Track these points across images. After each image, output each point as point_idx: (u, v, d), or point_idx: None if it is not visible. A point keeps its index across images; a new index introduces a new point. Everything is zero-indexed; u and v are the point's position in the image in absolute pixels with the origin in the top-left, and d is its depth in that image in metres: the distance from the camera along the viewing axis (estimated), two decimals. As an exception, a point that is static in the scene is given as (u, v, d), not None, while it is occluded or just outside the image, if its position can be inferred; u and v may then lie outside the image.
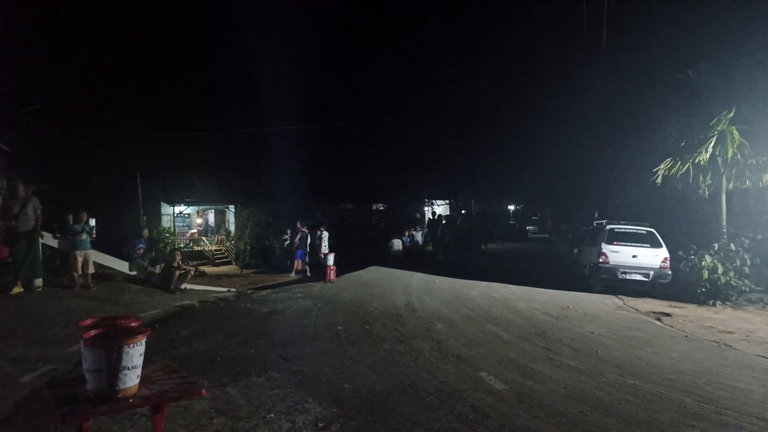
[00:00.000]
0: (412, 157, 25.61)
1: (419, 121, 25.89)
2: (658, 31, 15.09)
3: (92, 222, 9.82)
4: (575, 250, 14.33)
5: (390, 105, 29.00)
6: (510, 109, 25.94)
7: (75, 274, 9.02)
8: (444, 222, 20.59)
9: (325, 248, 14.82)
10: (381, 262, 16.12)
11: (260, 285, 13.37)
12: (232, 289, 11.79)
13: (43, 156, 19.00)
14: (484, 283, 11.93)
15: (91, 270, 9.35)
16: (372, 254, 17.82)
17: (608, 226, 11.86)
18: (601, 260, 11.25)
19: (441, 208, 23.64)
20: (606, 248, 11.30)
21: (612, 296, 10.81)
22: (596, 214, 17.67)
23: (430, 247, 19.56)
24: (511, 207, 42.78)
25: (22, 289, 8.10)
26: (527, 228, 38.34)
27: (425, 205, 23.84)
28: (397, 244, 17.92)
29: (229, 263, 18.05)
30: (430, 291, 10.63)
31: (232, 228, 22.99)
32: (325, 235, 15.80)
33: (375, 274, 13.66)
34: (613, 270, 11.10)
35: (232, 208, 23.82)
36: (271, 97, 27.32)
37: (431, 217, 20.27)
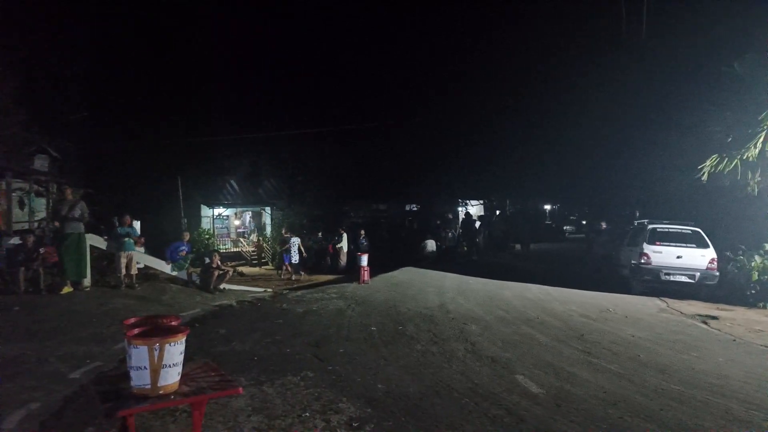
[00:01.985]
0: (446, 156, 25.47)
1: (453, 119, 25.73)
2: (701, 22, 14.44)
3: (136, 224, 10.21)
4: (613, 251, 13.91)
5: (423, 104, 28.94)
6: (547, 106, 25.34)
7: (120, 274, 9.41)
8: (478, 222, 20.39)
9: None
10: (414, 262, 16.10)
11: (295, 285, 13.58)
12: (269, 290, 12.01)
13: (90, 161, 19.92)
14: (519, 284, 11.73)
15: (135, 270, 9.74)
16: (405, 255, 17.81)
17: (650, 226, 11.46)
18: (642, 261, 10.88)
19: (475, 208, 23.37)
20: (648, 248, 10.93)
21: (654, 298, 10.43)
22: (637, 213, 17.08)
23: (464, 248, 19.40)
24: (548, 206, 41.83)
25: (71, 289, 8.51)
26: (564, 228, 37.41)
27: (459, 205, 23.63)
28: (431, 244, 17.85)
29: (265, 264, 18.38)
30: (464, 292, 10.54)
31: (268, 229, 23.43)
32: (344, 237, 16.26)
33: (408, 274, 13.65)
34: (656, 271, 10.71)
35: (268, 209, 24.28)
36: (304, 100, 27.75)
37: (465, 218, 20.07)
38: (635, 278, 11.21)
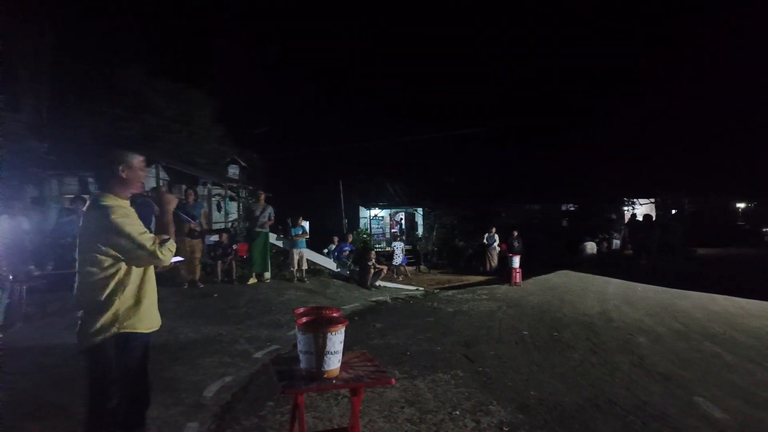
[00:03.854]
0: (609, 151, 23.19)
1: (618, 110, 23.32)
2: None
3: (306, 224, 11.46)
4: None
5: (583, 96, 26.81)
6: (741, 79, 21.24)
7: (293, 269, 10.63)
8: (648, 223, 18.20)
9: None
10: (571, 266, 15.04)
11: (446, 285, 13.75)
12: (420, 288, 12.39)
13: (270, 169, 22.88)
14: (701, 294, 10.15)
15: (305, 266, 10.91)
16: (561, 257, 16.75)
17: None
18: None
19: (644, 207, 20.81)
20: None
21: None
22: None
23: (630, 251, 17.48)
24: (741, 205, 35.24)
25: (256, 281, 9.89)
26: (763, 230, 31.08)
27: (624, 205, 21.30)
28: (590, 246, 16.51)
29: (418, 263, 18.99)
30: (630, 299, 9.54)
31: (420, 230, 24.12)
32: (496, 237, 16.16)
33: (564, 278, 12.83)
34: None
35: (420, 210, 25.00)
36: (456, 100, 27.88)
37: (631, 218, 18.07)
38: None
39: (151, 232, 2.39)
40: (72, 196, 10.12)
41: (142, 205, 2.71)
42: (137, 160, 2.51)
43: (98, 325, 2.23)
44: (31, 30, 15.14)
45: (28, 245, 7.13)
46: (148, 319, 2.40)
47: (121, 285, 2.30)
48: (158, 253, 2.29)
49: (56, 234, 8.81)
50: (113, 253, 2.27)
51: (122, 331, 2.27)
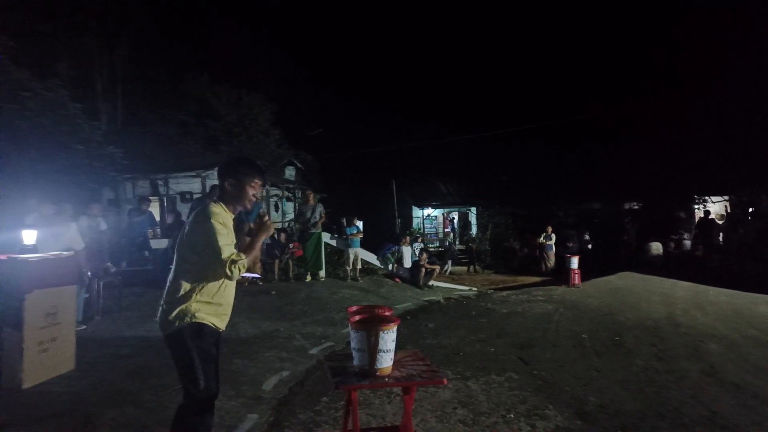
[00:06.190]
0: (678, 146, 21.77)
1: (686, 101, 21.87)
2: None
3: (359, 224, 11.63)
4: None
5: (647, 87, 25.39)
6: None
7: (347, 268, 10.82)
8: (721, 222, 16.99)
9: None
10: (635, 267, 14.31)
11: (500, 285, 13.50)
12: (473, 288, 12.24)
13: (324, 170, 23.44)
14: (782, 299, 9.39)
15: (360, 265, 11.07)
16: (624, 258, 15.98)
17: None
18: None
19: (717, 206, 19.40)
20: None
21: None
22: None
23: (699, 252, 16.38)
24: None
25: (311, 279, 10.16)
26: None
27: (695, 203, 19.95)
28: (656, 247, 15.64)
29: (471, 263, 18.74)
30: (700, 304, 8.96)
31: (474, 229, 23.82)
32: (553, 237, 15.41)
33: (627, 280, 12.24)
34: None
35: (473, 210, 24.67)
36: (510, 98, 27.26)
37: (702, 217, 16.94)
38: None
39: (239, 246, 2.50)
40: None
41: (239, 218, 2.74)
42: (249, 178, 2.55)
43: (173, 314, 2.41)
44: (106, 44, 16.34)
45: (105, 244, 7.71)
46: (219, 318, 2.55)
47: (200, 284, 2.45)
48: (227, 268, 2.36)
49: (129, 233, 9.47)
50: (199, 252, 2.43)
51: (194, 321, 2.42)
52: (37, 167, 8.94)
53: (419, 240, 12.89)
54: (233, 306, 2.70)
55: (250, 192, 2.56)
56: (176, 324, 2.40)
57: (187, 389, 2.42)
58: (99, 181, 11.21)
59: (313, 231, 10.17)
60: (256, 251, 2.57)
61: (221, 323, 2.57)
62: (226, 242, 2.40)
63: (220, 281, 2.50)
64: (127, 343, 5.61)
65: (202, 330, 2.44)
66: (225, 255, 2.36)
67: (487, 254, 19.78)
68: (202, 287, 2.46)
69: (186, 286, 2.44)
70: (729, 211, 18.40)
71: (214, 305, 2.49)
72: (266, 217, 2.64)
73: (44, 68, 11.69)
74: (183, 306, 2.41)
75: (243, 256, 2.42)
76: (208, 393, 2.44)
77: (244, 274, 2.47)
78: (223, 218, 2.45)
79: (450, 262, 17.12)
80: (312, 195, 10.65)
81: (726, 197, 19.15)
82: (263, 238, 2.62)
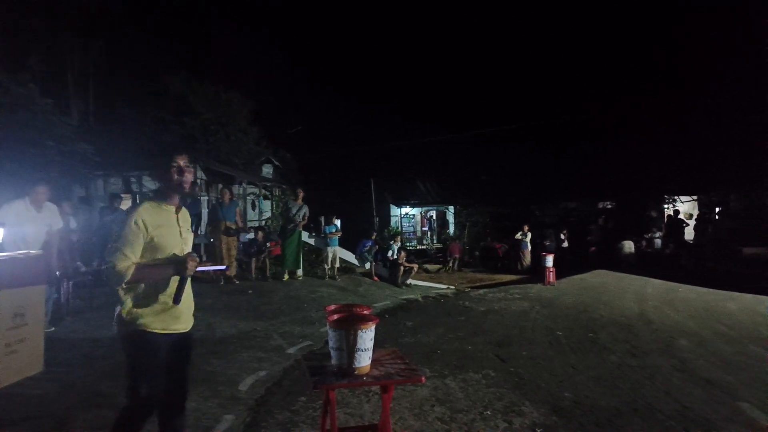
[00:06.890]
0: (648, 146, 22.33)
1: (660, 104, 22.41)
2: None
3: (338, 222, 11.58)
4: None
5: (619, 90, 25.94)
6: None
7: (326, 266, 10.76)
8: (693, 222, 17.48)
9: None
10: (608, 265, 14.63)
11: (478, 284, 13.62)
12: (452, 287, 12.32)
13: (302, 168, 23.26)
14: (751, 296, 9.70)
15: (338, 264, 11.02)
16: (598, 256, 16.30)
17: None
18: None
19: (686, 205, 19.96)
20: None
21: None
22: None
23: (669, 251, 16.83)
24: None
25: (289, 278, 10.07)
26: None
27: (664, 203, 20.50)
28: (629, 246, 15.99)
29: (448, 262, 18.86)
30: (671, 301, 9.21)
31: (451, 228, 23.97)
32: (528, 236, 15.72)
33: (601, 278, 12.50)
34: None
35: (451, 208, 24.83)
36: (489, 98, 27.52)
37: (671, 216, 17.41)
38: None
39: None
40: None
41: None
42: (167, 162, 2.40)
43: (116, 315, 2.34)
44: (79, 38, 15.89)
45: (76, 242, 7.48)
46: (172, 319, 2.39)
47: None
48: (112, 268, 2.19)
49: (101, 231, 9.22)
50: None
51: (138, 329, 2.30)
52: (6, 166, 8.63)
53: (397, 239, 12.80)
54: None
55: (175, 175, 2.38)
56: (119, 328, 2.33)
57: (127, 393, 2.35)
58: (70, 178, 10.89)
59: (295, 229, 10.08)
60: (155, 275, 2.33)
61: (177, 323, 2.41)
62: (123, 241, 2.23)
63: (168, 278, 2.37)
64: (100, 344, 5.45)
65: (144, 338, 2.30)
66: (111, 255, 2.21)
67: (464, 253, 19.92)
68: (136, 287, 2.32)
69: (121, 288, 2.31)
70: (698, 210, 18.96)
71: (161, 304, 2.35)
72: (192, 254, 2.39)
73: (14, 62, 11.29)
74: (127, 308, 2.30)
75: (131, 267, 2.22)
76: (147, 403, 2.33)
77: (205, 268, 2.36)
78: (148, 214, 2.30)
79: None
80: (302, 194, 10.55)
81: (695, 197, 19.74)
82: (172, 274, 2.35)
